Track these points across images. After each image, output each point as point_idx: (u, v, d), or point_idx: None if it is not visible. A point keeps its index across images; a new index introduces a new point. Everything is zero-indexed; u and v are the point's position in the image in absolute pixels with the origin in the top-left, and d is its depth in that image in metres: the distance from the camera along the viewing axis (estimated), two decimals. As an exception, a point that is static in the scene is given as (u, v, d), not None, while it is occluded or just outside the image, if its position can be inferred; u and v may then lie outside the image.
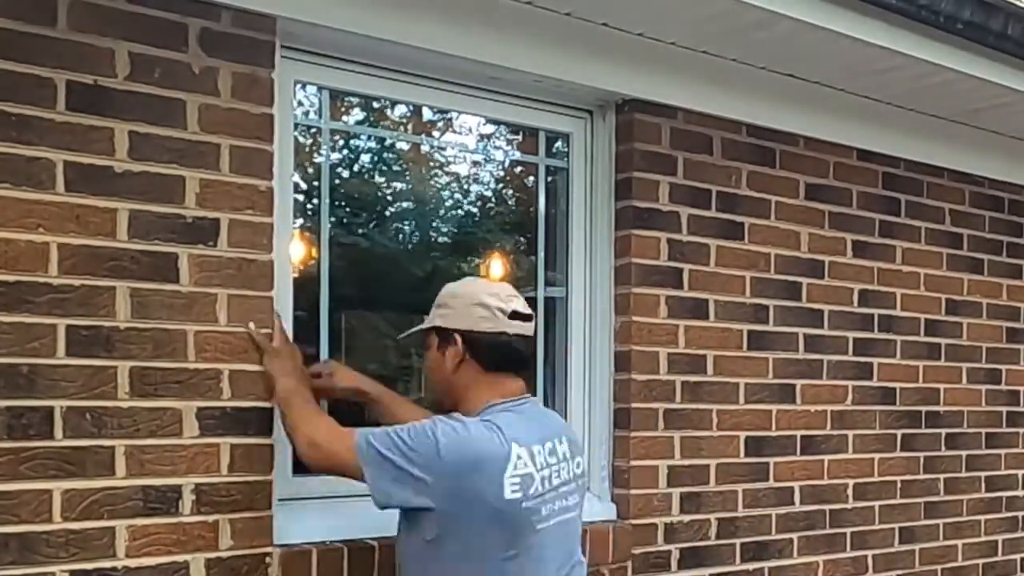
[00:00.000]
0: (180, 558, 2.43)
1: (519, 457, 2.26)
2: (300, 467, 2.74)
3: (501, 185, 3.96)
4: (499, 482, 2.22)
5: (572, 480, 2.41)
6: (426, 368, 2.54)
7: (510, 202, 3.86)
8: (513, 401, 2.38)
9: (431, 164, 3.71)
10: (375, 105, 3.23)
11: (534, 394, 2.49)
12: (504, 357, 2.39)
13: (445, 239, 3.87)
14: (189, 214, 2.45)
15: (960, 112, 3.89)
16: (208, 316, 2.48)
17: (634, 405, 3.25)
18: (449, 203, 3.86)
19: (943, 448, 4.14)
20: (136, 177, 2.39)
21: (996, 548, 4.35)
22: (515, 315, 2.38)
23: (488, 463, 2.23)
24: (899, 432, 3.99)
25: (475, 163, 3.72)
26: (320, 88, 2.89)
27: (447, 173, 3.83)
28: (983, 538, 4.30)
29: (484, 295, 2.39)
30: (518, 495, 2.24)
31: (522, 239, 3.74)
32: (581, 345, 3.31)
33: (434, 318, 2.44)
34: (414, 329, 2.54)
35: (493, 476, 2.22)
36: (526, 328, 2.41)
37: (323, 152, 2.96)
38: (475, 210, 3.84)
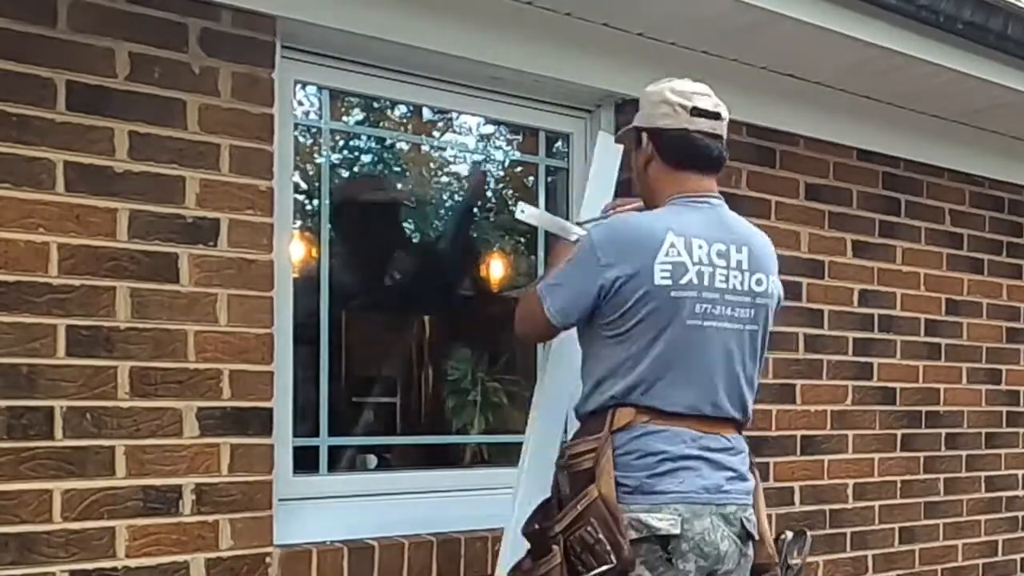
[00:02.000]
0: (180, 558, 2.43)
1: (672, 245, 2.26)
2: (300, 467, 2.76)
3: (501, 185, 3.97)
4: (651, 267, 2.24)
5: (745, 293, 2.34)
6: (631, 172, 2.54)
7: (510, 202, 3.86)
8: (692, 197, 2.36)
9: (431, 164, 3.71)
10: (375, 105, 3.23)
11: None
12: (686, 153, 2.36)
13: (445, 239, 3.87)
14: (189, 214, 2.45)
15: (960, 112, 3.89)
16: (208, 316, 2.48)
17: (634, 405, 3.24)
18: (449, 203, 3.86)
19: (943, 448, 4.14)
20: (136, 177, 2.39)
21: (996, 548, 4.35)
22: (697, 112, 2.34)
23: (640, 247, 2.26)
24: (899, 432, 3.99)
25: (475, 163, 3.72)
26: (320, 88, 2.89)
27: (447, 173, 3.83)
28: (983, 538, 4.29)
29: (667, 91, 2.37)
30: (667, 282, 2.24)
31: (522, 239, 3.74)
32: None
33: (633, 124, 2.45)
34: (623, 130, 2.56)
35: (646, 261, 2.24)
36: (713, 126, 2.37)
37: (323, 152, 2.96)
38: (475, 210, 3.84)
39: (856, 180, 3.84)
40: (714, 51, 3.26)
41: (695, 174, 2.38)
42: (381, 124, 3.38)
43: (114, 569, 2.35)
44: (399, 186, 3.92)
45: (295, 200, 2.80)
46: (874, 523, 3.89)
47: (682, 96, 2.36)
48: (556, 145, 3.36)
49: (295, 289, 2.73)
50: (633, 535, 2.19)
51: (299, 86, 2.82)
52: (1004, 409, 4.38)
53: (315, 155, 3.02)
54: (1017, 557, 4.43)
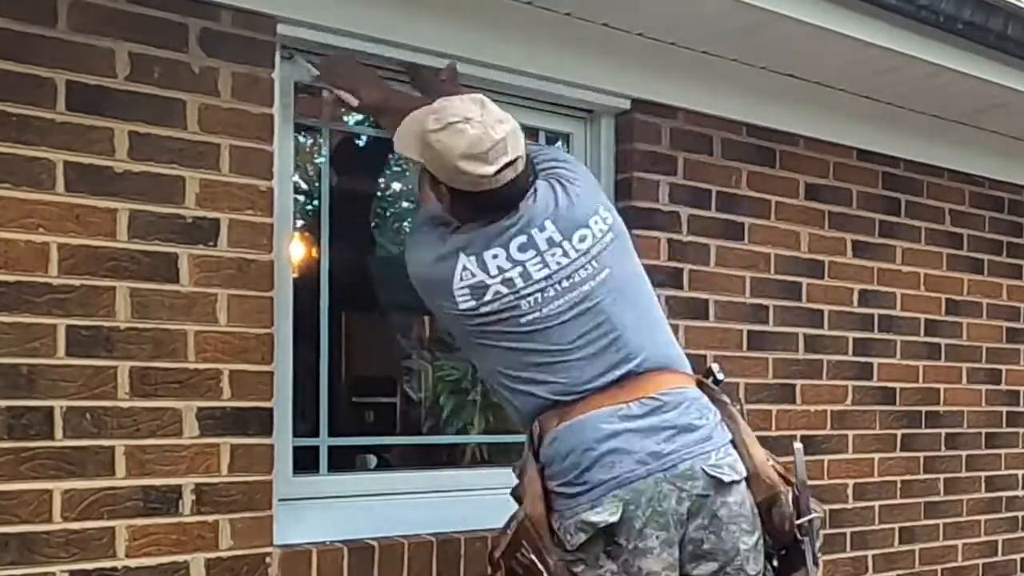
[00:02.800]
0: (180, 558, 2.43)
1: (464, 268, 2.28)
2: (300, 467, 2.75)
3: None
4: (450, 295, 2.29)
5: (578, 254, 2.28)
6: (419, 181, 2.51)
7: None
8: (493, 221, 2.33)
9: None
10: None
11: None
12: (495, 205, 2.29)
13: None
14: (189, 214, 2.45)
15: (960, 112, 3.89)
16: (208, 316, 2.47)
17: (634, 405, 3.24)
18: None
19: (943, 448, 4.14)
20: (136, 177, 2.39)
21: (996, 548, 4.35)
22: (500, 170, 2.22)
23: (435, 281, 2.32)
24: (899, 432, 3.99)
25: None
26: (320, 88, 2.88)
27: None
28: (983, 538, 4.29)
29: (459, 160, 2.21)
30: (471, 303, 2.27)
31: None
32: (581, 345, 3.31)
33: (420, 152, 2.30)
34: (413, 158, 2.39)
35: (444, 290, 2.30)
36: (516, 167, 2.25)
37: (323, 152, 2.96)
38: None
39: (856, 180, 3.84)
40: (714, 51, 3.26)
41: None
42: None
43: (114, 569, 2.34)
44: (399, 186, 3.92)
45: (295, 200, 2.79)
46: (874, 523, 3.89)
47: (480, 162, 2.20)
48: (556, 145, 3.36)
49: (295, 289, 2.73)
50: (583, 536, 2.20)
51: (299, 86, 2.81)
52: (1004, 409, 4.38)
53: (315, 155, 3.02)
54: (1017, 557, 4.43)
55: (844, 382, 3.80)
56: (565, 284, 2.28)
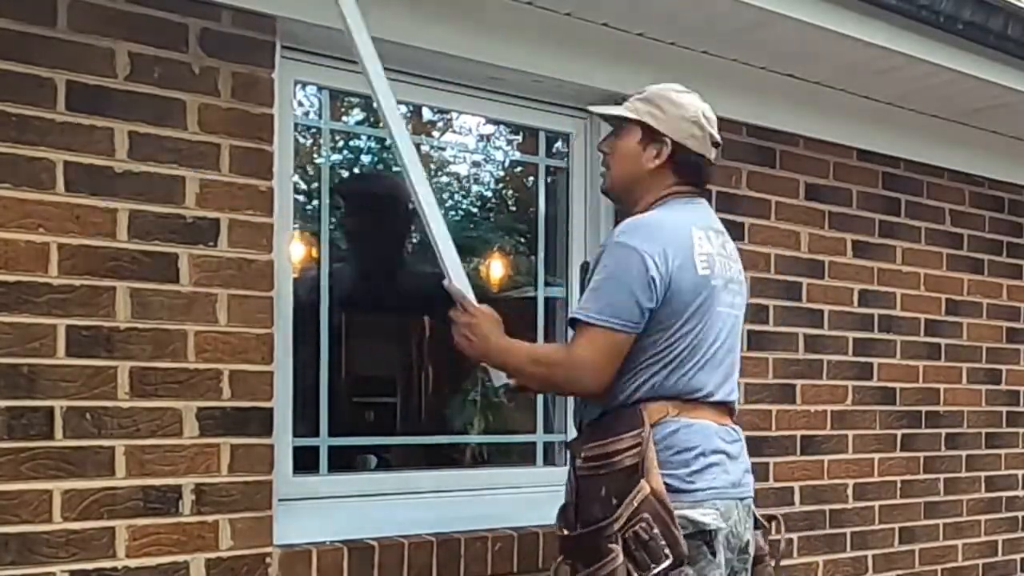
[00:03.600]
0: (180, 558, 2.43)
1: (700, 237, 2.34)
2: (300, 467, 2.75)
3: (501, 185, 3.97)
4: (692, 260, 2.30)
5: (736, 281, 2.45)
6: (616, 154, 2.50)
7: (510, 202, 3.86)
8: (684, 195, 2.44)
9: (431, 164, 3.71)
10: (375, 105, 3.22)
11: None
12: (697, 175, 2.46)
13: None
14: (189, 214, 2.45)
15: (960, 112, 3.89)
16: (208, 316, 2.48)
17: (634, 405, 3.24)
18: (449, 203, 3.86)
19: (943, 448, 4.14)
20: (136, 177, 2.39)
21: (996, 548, 4.35)
22: (714, 143, 2.45)
23: (678, 242, 2.30)
24: (899, 432, 3.99)
25: (475, 163, 3.72)
26: (320, 88, 2.89)
27: (447, 173, 3.83)
28: (983, 538, 4.30)
29: (701, 116, 2.42)
30: (707, 272, 2.32)
31: (522, 239, 3.74)
32: (581, 345, 3.30)
33: (643, 114, 2.44)
34: (617, 112, 2.50)
35: (687, 256, 2.30)
36: (717, 156, 2.50)
37: (323, 152, 2.96)
38: (475, 210, 3.84)
39: (856, 180, 3.84)
40: (714, 51, 3.26)
41: (691, 186, 2.48)
42: (381, 124, 3.37)
43: (114, 569, 2.35)
44: (399, 187, 3.92)
45: (295, 200, 2.80)
46: (874, 523, 3.90)
47: (711, 125, 2.45)
48: (556, 145, 3.36)
49: (295, 289, 2.73)
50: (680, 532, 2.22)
51: (299, 86, 2.82)
52: (1004, 409, 4.38)
53: (315, 155, 3.02)
54: (1017, 557, 4.43)
55: (844, 382, 3.81)
56: (728, 298, 2.40)
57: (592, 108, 2.67)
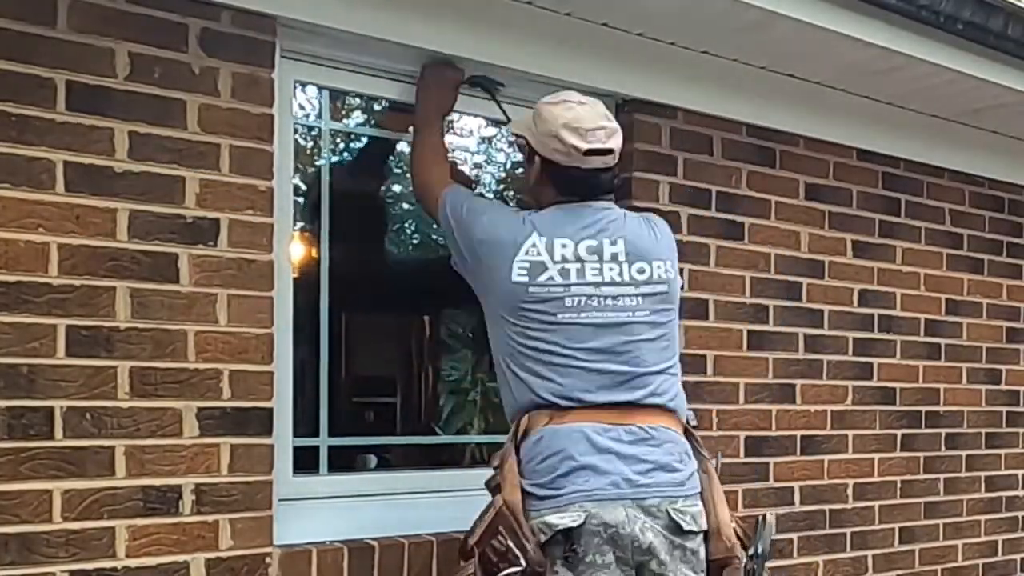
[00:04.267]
0: (180, 558, 2.43)
1: (533, 245, 2.39)
2: (300, 467, 2.75)
3: (503, 187, 3.97)
4: (509, 264, 2.38)
5: (628, 283, 2.42)
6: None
7: (511, 203, 3.86)
8: (567, 204, 2.47)
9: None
10: (376, 106, 3.23)
11: None
12: (576, 189, 2.47)
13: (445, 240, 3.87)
14: (189, 214, 2.45)
15: (960, 112, 3.89)
16: (208, 316, 2.48)
17: (634, 405, 3.24)
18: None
19: (943, 448, 4.14)
20: (136, 177, 2.39)
21: (996, 548, 4.35)
22: (591, 152, 2.41)
23: (504, 246, 2.41)
24: (899, 432, 3.99)
25: (476, 164, 3.72)
26: (320, 88, 2.88)
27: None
28: (983, 538, 4.30)
29: (561, 128, 2.41)
30: (524, 279, 2.37)
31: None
32: (581, 345, 3.30)
33: (524, 129, 2.54)
34: (513, 128, 2.66)
35: (506, 258, 2.39)
36: (604, 161, 2.45)
37: (323, 153, 2.96)
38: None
39: (856, 180, 3.84)
40: (714, 51, 3.26)
41: (575, 196, 2.49)
42: (382, 125, 3.37)
43: (114, 569, 2.34)
44: (399, 187, 3.92)
45: (295, 200, 2.79)
46: (874, 523, 3.89)
47: (577, 135, 2.42)
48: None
49: (295, 289, 2.73)
50: (543, 538, 2.25)
51: (299, 86, 2.82)
52: (1004, 409, 4.38)
53: (315, 156, 3.02)
54: (1017, 557, 4.43)
55: (844, 382, 3.80)
56: (609, 301, 2.40)
57: (511, 125, 2.74)
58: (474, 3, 2.82)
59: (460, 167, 3.05)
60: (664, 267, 2.49)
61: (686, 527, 2.33)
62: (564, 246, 2.39)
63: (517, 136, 2.60)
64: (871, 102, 3.71)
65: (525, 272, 2.38)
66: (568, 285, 2.38)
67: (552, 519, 2.26)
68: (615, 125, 2.49)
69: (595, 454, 2.30)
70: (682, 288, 2.61)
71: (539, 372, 2.38)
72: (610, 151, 2.44)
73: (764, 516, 2.53)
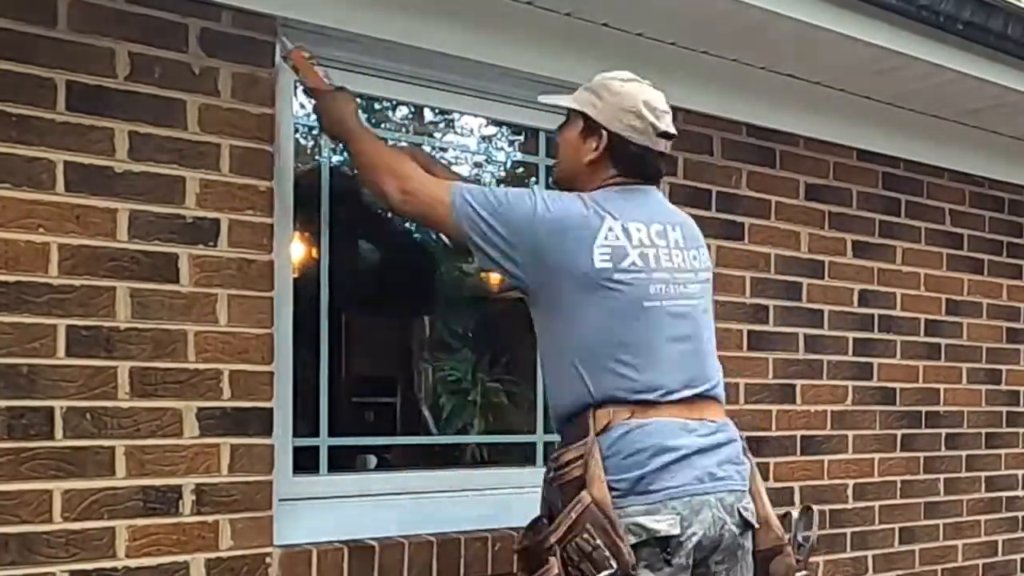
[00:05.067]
0: (180, 558, 2.43)
1: (611, 229, 2.27)
2: (300, 467, 2.75)
3: (503, 186, 3.97)
4: (588, 249, 2.24)
5: (691, 271, 2.37)
6: (562, 145, 2.52)
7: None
8: (625, 185, 2.38)
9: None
10: (376, 106, 3.23)
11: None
12: (639, 169, 2.39)
13: (446, 240, 3.87)
14: (189, 214, 2.45)
15: (960, 112, 3.89)
16: (208, 316, 2.48)
17: (634, 405, 3.24)
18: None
19: (943, 448, 4.14)
20: (136, 177, 2.39)
21: (996, 548, 4.35)
22: (663, 135, 2.37)
23: (577, 230, 2.26)
24: (899, 432, 3.99)
25: (476, 164, 3.72)
26: (320, 89, 2.88)
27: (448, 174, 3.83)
28: (983, 538, 4.30)
29: (641, 104, 2.35)
30: (607, 264, 2.24)
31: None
32: (581, 345, 3.30)
33: (585, 103, 2.40)
34: (562, 101, 2.50)
35: (583, 243, 2.24)
36: (668, 146, 2.42)
37: (324, 153, 2.96)
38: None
39: (856, 180, 3.84)
40: (714, 51, 3.26)
41: (634, 177, 2.41)
42: (382, 125, 3.38)
43: (114, 569, 2.34)
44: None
45: (295, 200, 2.79)
46: (874, 523, 3.90)
47: (654, 115, 2.36)
48: (557, 145, 3.36)
49: (295, 289, 2.73)
50: (632, 539, 2.15)
51: (299, 86, 2.81)
52: (1004, 409, 4.38)
53: (315, 156, 3.02)
54: (1017, 557, 4.43)
55: (844, 382, 3.81)
56: (680, 288, 2.33)
57: (542, 97, 2.62)
58: (475, 3, 2.82)
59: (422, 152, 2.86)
60: (707, 254, 2.49)
61: (751, 521, 2.33)
62: (639, 230, 2.30)
63: (571, 111, 2.46)
64: (871, 102, 3.71)
65: (607, 257, 2.24)
66: (650, 271, 2.28)
67: (646, 521, 2.17)
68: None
69: (680, 450, 2.23)
70: None
71: (616, 370, 2.24)
72: (675, 136, 2.43)
73: (810, 507, 2.55)
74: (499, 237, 2.30)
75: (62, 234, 2.29)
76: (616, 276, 2.25)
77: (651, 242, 2.31)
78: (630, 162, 2.38)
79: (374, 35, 2.71)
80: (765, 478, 3.52)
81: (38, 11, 2.28)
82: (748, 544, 2.35)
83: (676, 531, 2.18)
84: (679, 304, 2.32)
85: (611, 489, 2.18)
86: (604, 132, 2.36)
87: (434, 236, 4.23)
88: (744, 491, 2.35)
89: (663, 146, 2.40)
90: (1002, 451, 4.37)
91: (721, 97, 3.39)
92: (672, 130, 2.40)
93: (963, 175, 4.18)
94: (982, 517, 4.29)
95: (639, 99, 2.36)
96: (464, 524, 2.89)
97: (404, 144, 2.65)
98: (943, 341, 4.13)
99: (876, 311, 3.91)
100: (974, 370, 4.25)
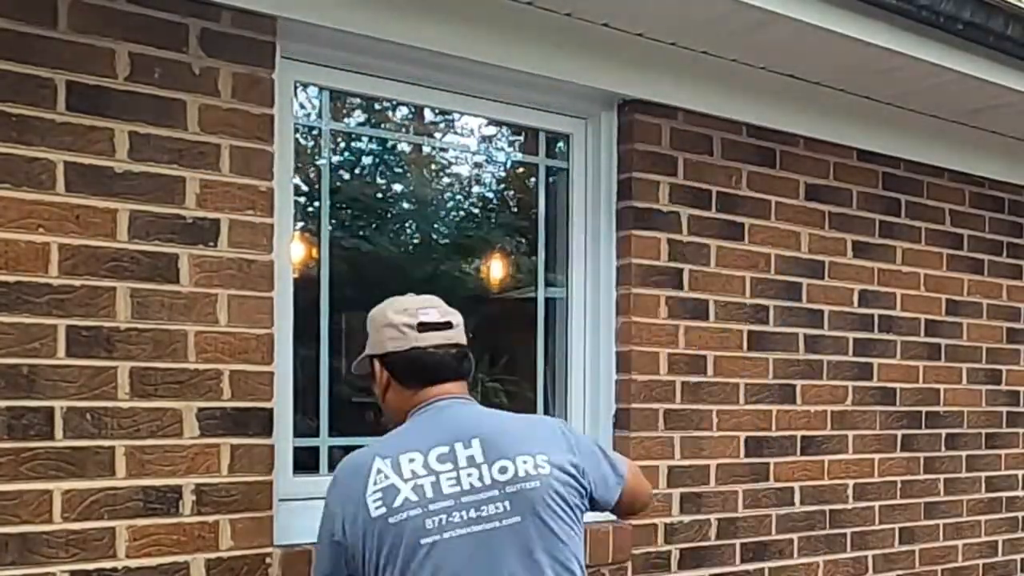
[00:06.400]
0: (180, 558, 2.43)
1: (379, 471, 2.13)
2: (300, 467, 2.76)
3: (502, 186, 3.96)
4: (365, 503, 2.11)
5: (492, 487, 2.13)
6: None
7: (511, 203, 3.86)
8: (419, 408, 2.26)
9: (432, 165, 3.71)
10: (376, 106, 3.23)
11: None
12: (419, 371, 2.27)
13: (446, 240, 3.87)
14: (189, 214, 2.45)
15: (960, 112, 3.89)
16: (208, 316, 2.48)
17: (634, 405, 3.25)
18: (450, 204, 3.86)
19: (943, 448, 4.14)
20: (136, 177, 2.39)
21: (996, 548, 4.35)
22: (425, 327, 2.26)
23: (352, 492, 2.15)
24: (899, 432, 3.99)
25: (476, 164, 3.72)
26: (321, 89, 2.89)
27: (448, 174, 3.83)
28: (983, 538, 4.30)
29: (391, 314, 2.30)
30: (382, 511, 2.10)
31: (523, 240, 3.74)
32: (582, 346, 3.31)
33: (366, 348, 2.37)
34: (358, 361, 2.43)
35: (359, 502, 2.12)
36: (446, 336, 2.29)
37: (324, 153, 2.96)
38: (476, 211, 3.83)
39: (856, 180, 3.84)
40: (714, 51, 3.26)
41: (436, 386, 2.27)
42: (382, 125, 3.37)
43: (114, 569, 2.35)
44: (399, 187, 3.92)
45: (295, 200, 2.80)
46: (874, 523, 3.89)
47: (405, 314, 2.28)
48: (557, 146, 3.36)
49: (295, 289, 2.73)
50: None
51: (299, 87, 2.82)
52: (1004, 409, 4.38)
53: (315, 156, 3.02)
54: (1017, 557, 4.43)
55: (844, 382, 3.80)
56: (472, 513, 2.11)
57: (355, 367, 2.46)
58: (475, 3, 2.82)
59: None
60: (534, 463, 2.16)
61: None
62: (412, 460, 2.13)
63: (361, 372, 2.40)
64: (871, 102, 3.71)
65: (380, 502, 2.09)
66: (428, 502, 2.09)
67: None
68: (453, 310, 2.34)
69: None
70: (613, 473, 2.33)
71: None
72: (448, 324, 2.29)
73: None
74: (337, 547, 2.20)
75: (62, 234, 2.29)
76: (391, 519, 2.09)
77: (427, 471, 2.13)
78: (411, 373, 2.27)
79: (374, 35, 2.71)
80: (765, 478, 3.54)
81: (38, 11, 2.28)
82: None
83: None
84: (472, 531, 2.10)
85: None
86: (376, 360, 2.32)
87: (435, 236, 4.23)
88: None
89: (438, 338, 2.27)
90: (1002, 451, 4.37)
91: (721, 97, 3.39)
92: (436, 319, 2.27)
93: (963, 175, 4.18)
94: (982, 517, 4.29)
95: (387, 311, 2.30)
96: (464, 524, 2.88)
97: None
98: (943, 341, 4.13)
99: (876, 311, 3.91)
100: (974, 370, 4.25)
